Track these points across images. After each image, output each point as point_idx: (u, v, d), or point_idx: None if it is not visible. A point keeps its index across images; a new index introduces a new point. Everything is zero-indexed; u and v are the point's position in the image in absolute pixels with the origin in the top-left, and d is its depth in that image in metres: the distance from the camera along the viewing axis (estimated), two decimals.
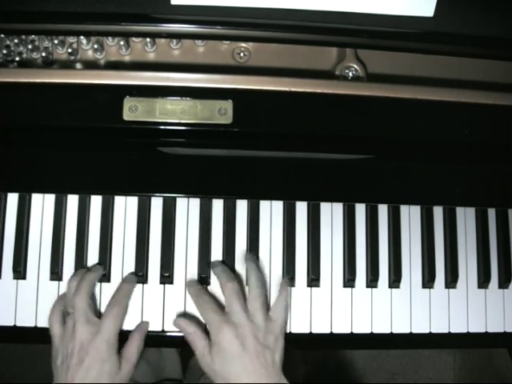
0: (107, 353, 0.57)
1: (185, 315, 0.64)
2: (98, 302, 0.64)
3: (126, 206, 0.66)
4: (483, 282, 0.69)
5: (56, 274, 0.64)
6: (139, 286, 0.64)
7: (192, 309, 0.64)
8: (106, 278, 0.64)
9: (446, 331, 0.67)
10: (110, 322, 0.59)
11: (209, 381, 0.68)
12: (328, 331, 0.66)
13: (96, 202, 0.66)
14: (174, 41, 0.68)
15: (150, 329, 0.63)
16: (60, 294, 0.63)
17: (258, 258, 0.66)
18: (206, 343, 0.59)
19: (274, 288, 0.66)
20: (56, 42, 0.67)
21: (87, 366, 0.56)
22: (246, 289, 0.63)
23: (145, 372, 0.75)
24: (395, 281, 0.67)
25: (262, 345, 0.57)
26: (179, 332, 0.63)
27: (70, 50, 0.67)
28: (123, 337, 0.61)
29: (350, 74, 0.70)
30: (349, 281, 0.67)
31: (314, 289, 0.66)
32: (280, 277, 0.66)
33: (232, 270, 0.65)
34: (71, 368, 0.56)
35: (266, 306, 0.61)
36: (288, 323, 0.65)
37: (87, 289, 0.60)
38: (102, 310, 0.63)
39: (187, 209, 0.66)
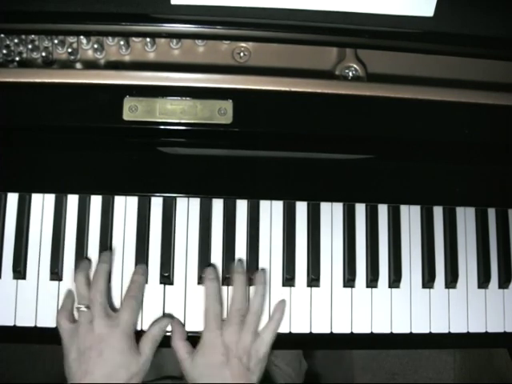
0: (126, 344, 0.58)
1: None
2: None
3: (125, 206, 0.66)
4: (483, 282, 0.69)
5: (56, 273, 0.64)
6: None
7: (192, 309, 0.64)
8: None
9: (446, 331, 0.67)
10: (127, 315, 0.59)
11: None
12: (328, 331, 0.66)
13: (96, 201, 0.66)
14: (174, 41, 0.68)
15: None
16: (60, 293, 0.63)
17: (257, 257, 0.66)
18: (187, 349, 0.60)
19: (274, 288, 0.66)
20: (56, 41, 0.67)
21: (106, 358, 0.56)
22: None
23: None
24: (395, 281, 0.67)
25: (244, 366, 0.59)
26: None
27: (69, 50, 0.67)
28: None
29: (350, 74, 0.70)
30: (349, 281, 0.67)
31: (313, 289, 0.66)
32: (280, 277, 0.66)
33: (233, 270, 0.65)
34: (91, 360, 0.56)
35: (257, 332, 0.62)
36: (288, 323, 0.65)
37: (103, 282, 0.61)
38: None
39: (187, 209, 0.66)
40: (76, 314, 0.61)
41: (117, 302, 0.64)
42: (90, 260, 0.64)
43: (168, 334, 0.63)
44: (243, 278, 0.63)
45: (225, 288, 0.65)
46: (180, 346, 0.61)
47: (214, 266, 0.65)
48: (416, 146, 0.69)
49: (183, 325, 0.64)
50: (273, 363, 0.80)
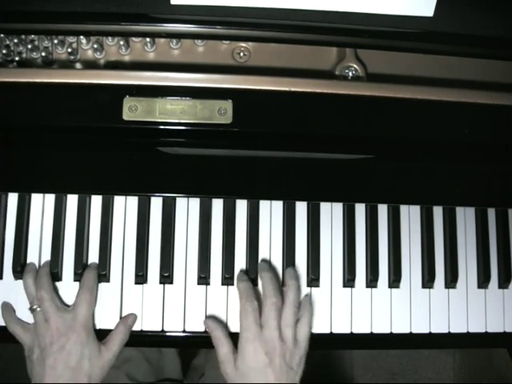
0: (86, 337, 0.58)
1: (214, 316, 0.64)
2: (99, 302, 0.63)
3: (125, 206, 0.66)
4: (483, 281, 0.69)
5: (56, 273, 0.63)
6: (139, 285, 0.64)
7: (192, 309, 0.64)
8: (105, 278, 0.64)
9: (446, 331, 0.67)
10: (83, 308, 0.59)
11: (208, 381, 0.69)
12: (328, 331, 0.66)
13: (96, 201, 0.66)
14: (174, 41, 0.68)
15: (150, 329, 0.64)
16: (60, 293, 0.63)
17: (257, 257, 0.66)
18: (230, 350, 0.59)
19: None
20: (56, 41, 0.67)
21: (68, 351, 0.57)
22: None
23: (145, 371, 0.75)
24: (395, 281, 0.67)
25: (287, 365, 0.57)
26: (179, 332, 0.63)
27: (69, 50, 0.67)
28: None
29: (350, 74, 0.70)
30: (348, 281, 0.67)
31: (313, 289, 0.66)
32: (280, 277, 0.66)
33: (231, 269, 0.65)
34: (52, 355, 0.56)
35: (296, 325, 0.61)
36: None
37: (47, 281, 0.61)
38: (103, 311, 0.63)
39: (187, 209, 0.66)
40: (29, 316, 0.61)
41: (117, 302, 0.64)
42: (34, 263, 0.64)
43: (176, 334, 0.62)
44: (270, 273, 0.62)
45: (224, 288, 0.65)
46: (223, 344, 0.59)
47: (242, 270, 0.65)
48: (416, 146, 0.69)
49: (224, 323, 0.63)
50: None
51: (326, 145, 0.68)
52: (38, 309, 0.60)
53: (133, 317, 0.63)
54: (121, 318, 0.63)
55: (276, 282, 0.62)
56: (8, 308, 0.63)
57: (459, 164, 0.69)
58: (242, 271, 0.65)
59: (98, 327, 0.63)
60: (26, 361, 0.60)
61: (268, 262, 0.65)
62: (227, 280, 0.65)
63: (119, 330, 0.62)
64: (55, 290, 0.63)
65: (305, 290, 0.66)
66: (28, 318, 0.62)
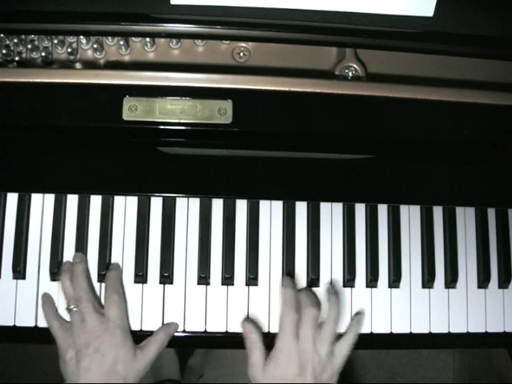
0: (122, 339, 0.58)
1: (248, 319, 0.64)
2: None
3: (125, 206, 0.66)
4: (483, 281, 0.69)
5: (55, 273, 0.63)
6: (139, 285, 0.64)
7: (192, 309, 0.64)
8: (105, 278, 0.64)
9: (446, 331, 0.67)
10: (115, 309, 0.59)
11: (208, 381, 0.68)
12: None
13: (96, 201, 0.66)
14: (174, 40, 0.68)
15: (150, 329, 0.63)
16: (59, 293, 0.63)
17: (257, 257, 0.66)
18: (262, 354, 0.59)
19: (275, 289, 0.66)
20: (55, 41, 0.67)
21: (103, 353, 0.56)
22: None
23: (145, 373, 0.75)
24: (395, 281, 0.67)
25: (317, 379, 0.57)
26: (179, 332, 0.63)
27: (69, 50, 0.67)
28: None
29: (350, 74, 0.70)
30: (348, 281, 0.67)
31: (313, 289, 0.66)
32: (279, 276, 0.66)
33: (231, 269, 0.65)
34: (88, 357, 0.56)
35: (333, 343, 0.60)
36: None
37: (84, 280, 0.61)
38: None
39: (187, 209, 0.66)
40: (66, 316, 0.61)
41: None
42: (70, 262, 0.63)
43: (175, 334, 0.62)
44: (308, 291, 0.62)
45: (224, 288, 0.65)
46: (256, 348, 0.59)
47: (290, 275, 0.65)
48: (416, 146, 0.69)
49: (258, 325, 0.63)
50: None
51: (326, 145, 0.68)
52: (75, 309, 0.59)
53: (174, 325, 0.63)
54: None
55: (313, 295, 0.62)
56: (49, 301, 0.62)
57: (459, 164, 0.69)
58: (287, 276, 0.64)
59: None
60: (59, 359, 0.59)
61: (290, 279, 0.64)
62: (227, 280, 0.65)
63: (159, 336, 0.61)
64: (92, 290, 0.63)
65: None
66: (28, 318, 0.62)
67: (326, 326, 0.60)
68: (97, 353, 0.56)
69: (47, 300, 0.62)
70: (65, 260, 0.64)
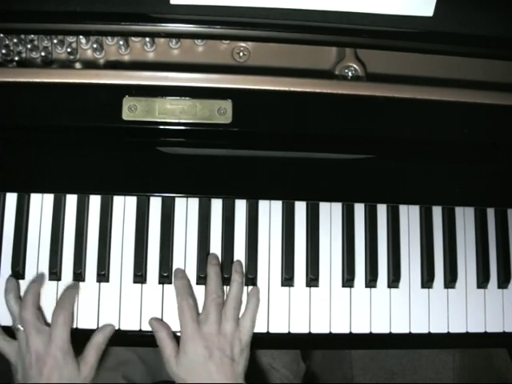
0: (63, 359, 0.58)
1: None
2: (97, 302, 0.64)
3: (124, 206, 0.66)
4: (482, 281, 0.69)
5: (55, 273, 0.63)
6: (138, 285, 0.65)
7: None
8: (105, 278, 0.64)
9: (445, 331, 0.67)
10: (60, 330, 0.59)
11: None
12: (327, 331, 0.66)
13: (95, 201, 0.66)
14: (174, 40, 0.68)
15: (149, 329, 0.63)
16: (58, 293, 0.63)
17: (256, 257, 0.66)
18: (174, 348, 0.60)
19: (273, 288, 0.66)
20: (55, 41, 0.67)
21: (47, 376, 0.57)
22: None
23: (142, 373, 0.75)
24: (394, 281, 0.67)
25: (227, 357, 0.59)
26: (178, 332, 0.63)
27: (69, 50, 0.67)
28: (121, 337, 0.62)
29: (350, 74, 0.70)
30: (348, 281, 0.67)
31: (312, 289, 0.66)
32: (279, 276, 0.66)
33: (230, 269, 0.65)
34: (32, 379, 0.57)
35: (237, 319, 0.62)
36: (287, 323, 0.65)
37: (32, 300, 0.60)
38: (106, 311, 0.64)
39: (186, 209, 0.66)
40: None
41: (115, 301, 0.64)
42: (13, 281, 0.63)
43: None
44: (216, 268, 0.63)
45: (224, 288, 0.65)
46: (166, 345, 0.61)
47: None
48: (415, 146, 0.69)
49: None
50: (270, 366, 0.80)
51: (326, 145, 0.68)
52: (22, 328, 0.59)
53: (111, 327, 0.63)
54: (119, 317, 0.63)
55: (219, 277, 0.63)
56: None
57: (459, 164, 0.69)
58: (179, 269, 0.65)
59: (96, 327, 0.63)
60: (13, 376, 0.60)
61: (216, 257, 0.65)
62: (226, 280, 0.65)
63: (95, 340, 0.61)
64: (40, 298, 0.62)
65: (304, 290, 0.66)
66: None
67: (226, 306, 0.61)
68: (40, 375, 0.57)
69: None
70: (64, 260, 0.64)
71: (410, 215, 0.69)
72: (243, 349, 0.61)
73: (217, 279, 0.63)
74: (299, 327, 0.65)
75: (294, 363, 0.83)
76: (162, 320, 0.63)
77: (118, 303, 0.64)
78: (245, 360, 0.61)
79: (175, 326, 0.63)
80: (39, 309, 0.62)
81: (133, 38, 0.68)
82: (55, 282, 0.64)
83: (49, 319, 0.62)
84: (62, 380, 0.57)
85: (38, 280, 0.63)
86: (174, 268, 0.65)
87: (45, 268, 0.64)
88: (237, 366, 0.59)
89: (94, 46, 0.67)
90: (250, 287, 0.65)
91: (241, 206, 0.67)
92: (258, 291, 0.65)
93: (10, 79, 0.62)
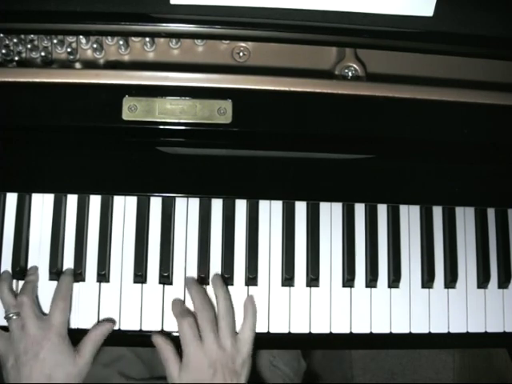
0: (60, 345, 0.58)
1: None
2: (97, 302, 0.63)
3: (125, 206, 0.66)
4: (483, 281, 0.69)
5: (55, 273, 0.63)
6: (138, 285, 0.64)
7: (191, 309, 0.64)
8: (105, 277, 0.64)
9: (446, 331, 0.67)
10: (58, 316, 0.60)
11: None
12: (327, 331, 0.66)
13: (95, 201, 0.66)
14: (174, 40, 0.68)
15: (149, 329, 0.63)
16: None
17: (257, 257, 0.66)
18: (178, 367, 0.60)
19: (273, 288, 0.66)
20: (55, 41, 0.67)
21: (42, 358, 0.57)
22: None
23: (138, 369, 0.75)
24: (394, 281, 0.67)
25: (230, 370, 0.59)
26: (178, 332, 0.63)
27: (69, 50, 0.67)
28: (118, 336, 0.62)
29: (350, 74, 0.70)
30: (348, 281, 0.67)
31: (313, 289, 0.66)
32: (279, 277, 0.66)
33: (231, 269, 0.65)
34: (27, 363, 0.57)
35: (234, 332, 0.62)
36: (287, 323, 0.65)
37: (31, 287, 0.61)
38: (106, 311, 0.64)
39: (186, 209, 0.66)
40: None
41: (116, 301, 0.64)
42: (8, 271, 0.63)
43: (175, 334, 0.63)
44: (196, 287, 0.63)
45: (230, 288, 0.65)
46: (171, 365, 0.60)
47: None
48: (415, 146, 0.69)
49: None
50: (271, 363, 0.80)
51: (326, 145, 0.68)
52: (14, 317, 0.59)
53: (109, 324, 0.62)
54: (120, 317, 0.63)
55: (203, 292, 0.63)
56: None
57: (459, 164, 0.69)
58: (189, 277, 0.64)
59: None
60: (2, 368, 0.60)
61: (191, 278, 0.65)
62: (226, 280, 0.65)
63: (93, 335, 0.61)
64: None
65: (304, 290, 0.66)
66: None
67: (220, 324, 0.61)
68: (36, 359, 0.57)
69: None
70: (64, 260, 0.64)
71: (410, 215, 0.69)
72: (245, 360, 0.60)
73: (199, 296, 0.62)
74: (299, 327, 0.65)
75: (294, 361, 0.83)
76: (165, 338, 0.62)
77: (118, 303, 0.64)
78: (247, 370, 0.61)
79: (175, 326, 0.63)
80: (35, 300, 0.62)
81: (133, 38, 0.68)
82: (55, 282, 0.63)
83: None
84: (57, 366, 0.57)
85: (34, 271, 0.63)
86: (174, 268, 0.65)
87: (45, 268, 0.64)
88: (239, 378, 0.59)
89: (94, 45, 0.67)
90: (245, 297, 0.65)
91: (241, 205, 0.67)
92: (253, 299, 0.64)
93: (10, 79, 0.62)
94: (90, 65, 0.68)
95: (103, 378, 0.72)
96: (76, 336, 0.61)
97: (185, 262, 0.65)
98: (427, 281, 0.68)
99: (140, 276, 0.64)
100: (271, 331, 0.65)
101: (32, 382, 0.56)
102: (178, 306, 0.63)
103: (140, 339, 0.64)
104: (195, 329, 0.60)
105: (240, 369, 0.60)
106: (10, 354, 0.59)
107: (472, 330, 0.68)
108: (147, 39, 0.67)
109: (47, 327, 0.59)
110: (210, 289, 0.65)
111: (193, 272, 0.65)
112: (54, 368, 0.57)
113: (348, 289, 0.67)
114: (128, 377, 0.73)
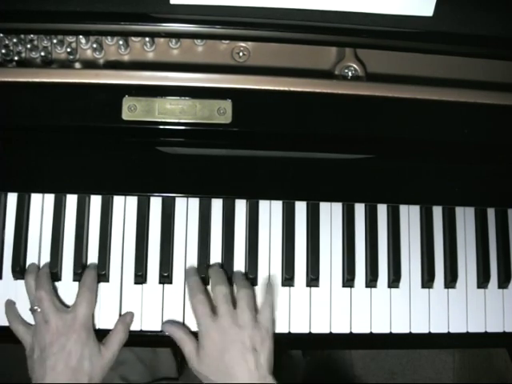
0: (86, 337, 0.58)
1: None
2: (98, 302, 0.63)
3: (125, 206, 0.66)
4: (483, 281, 0.69)
5: (55, 273, 0.63)
6: (138, 285, 0.64)
7: (191, 309, 0.64)
8: (105, 277, 0.64)
9: (446, 331, 0.67)
10: (84, 307, 0.60)
11: (206, 380, 0.68)
12: (327, 331, 0.66)
13: (95, 201, 0.66)
14: (173, 40, 0.68)
15: (149, 329, 0.63)
16: (59, 293, 0.63)
17: (256, 257, 0.66)
18: (194, 346, 0.60)
19: (275, 289, 0.66)
20: (55, 41, 0.66)
21: (68, 351, 0.57)
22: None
23: (140, 372, 0.75)
24: (394, 281, 0.67)
25: (247, 348, 0.57)
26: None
27: (68, 50, 0.67)
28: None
29: (350, 74, 0.70)
30: (348, 281, 0.67)
31: (313, 289, 0.66)
32: (279, 276, 0.66)
33: (231, 269, 0.65)
34: (53, 356, 0.56)
35: (254, 307, 0.61)
36: (287, 323, 0.65)
37: (47, 281, 0.61)
38: (103, 311, 0.63)
39: (186, 209, 0.66)
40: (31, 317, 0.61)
41: (116, 301, 0.64)
42: (35, 264, 0.64)
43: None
44: (214, 267, 0.63)
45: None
46: (185, 344, 0.60)
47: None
48: (415, 146, 0.69)
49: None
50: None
51: (326, 145, 0.68)
52: (39, 309, 0.60)
53: (130, 315, 0.63)
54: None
55: (220, 272, 0.63)
56: (11, 306, 0.62)
57: (459, 164, 0.69)
58: (191, 267, 0.64)
59: (97, 327, 0.63)
60: (27, 360, 0.60)
61: (216, 264, 0.65)
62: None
63: (118, 328, 0.62)
64: (55, 290, 0.63)
65: (304, 289, 0.66)
66: (28, 318, 0.62)
67: (237, 296, 0.60)
68: (62, 351, 0.57)
69: (9, 306, 0.63)
70: (64, 260, 0.64)
71: (410, 215, 0.69)
72: (264, 337, 0.58)
73: (217, 273, 0.62)
74: (299, 327, 0.65)
75: (294, 361, 0.83)
76: (174, 321, 0.63)
77: (118, 303, 0.64)
78: (268, 349, 0.58)
79: None
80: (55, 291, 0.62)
81: (133, 38, 0.68)
82: (56, 283, 0.64)
83: None
84: (83, 358, 0.57)
85: (47, 265, 0.63)
86: (174, 268, 0.65)
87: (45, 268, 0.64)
88: (258, 356, 0.57)
89: (94, 45, 0.67)
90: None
91: (241, 205, 0.67)
92: (272, 285, 0.64)
93: (10, 79, 0.62)
94: (89, 65, 0.68)
95: (105, 382, 0.72)
96: None
97: (185, 262, 0.65)
98: (427, 281, 0.68)
99: (140, 276, 0.64)
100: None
101: (56, 373, 0.56)
102: (194, 277, 0.63)
103: (140, 339, 0.64)
104: (207, 306, 0.60)
105: (259, 346, 0.58)
106: (35, 346, 0.58)
107: (472, 329, 0.68)
108: (147, 39, 0.67)
109: (72, 319, 0.59)
110: (209, 288, 0.65)
111: None
112: (80, 360, 0.57)
113: (348, 289, 0.67)
114: (129, 381, 0.73)
